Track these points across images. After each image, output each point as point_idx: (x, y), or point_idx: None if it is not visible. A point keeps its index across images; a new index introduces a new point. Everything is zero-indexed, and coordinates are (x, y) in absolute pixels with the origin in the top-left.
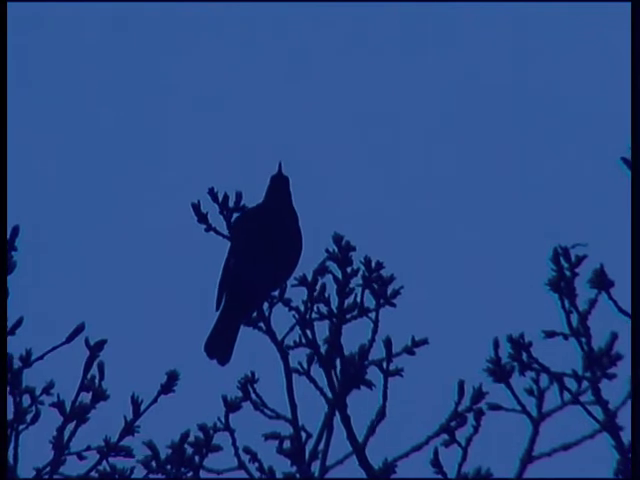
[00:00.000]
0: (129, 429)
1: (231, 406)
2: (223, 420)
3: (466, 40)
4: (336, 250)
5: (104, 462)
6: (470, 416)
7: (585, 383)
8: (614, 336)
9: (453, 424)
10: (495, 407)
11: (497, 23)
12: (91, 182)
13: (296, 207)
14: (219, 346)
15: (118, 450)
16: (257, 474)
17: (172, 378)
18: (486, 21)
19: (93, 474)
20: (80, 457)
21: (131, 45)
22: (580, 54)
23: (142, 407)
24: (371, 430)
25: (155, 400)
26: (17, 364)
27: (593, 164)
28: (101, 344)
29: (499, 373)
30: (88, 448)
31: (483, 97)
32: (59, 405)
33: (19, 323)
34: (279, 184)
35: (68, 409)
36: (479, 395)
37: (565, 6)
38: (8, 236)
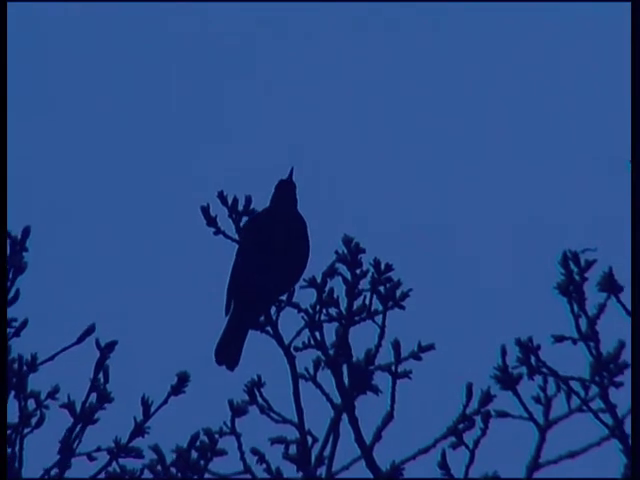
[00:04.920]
0: (139, 430)
1: (237, 411)
2: (229, 424)
3: (468, 43)
4: (345, 252)
5: (114, 463)
6: (478, 419)
7: (593, 390)
8: (621, 344)
9: (461, 426)
10: (502, 414)
11: (497, 23)
12: (101, 185)
13: (306, 209)
14: (228, 352)
15: (128, 451)
16: (265, 475)
17: (182, 380)
18: (486, 22)
19: (103, 475)
20: (90, 458)
21: (140, 44)
22: (580, 54)
23: (152, 408)
24: (379, 433)
25: (165, 401)
26: (23, 368)
27: (603, 167)
28: (112, 345)
29: (506, 380)
30: (98, 449)
31: (490, 99)
32: (69, 406)
33: (24, 325)
34: (287, 189)
35: (78, 410)
36: (487, 398)
37: (565, 6)
38: (19, 236)
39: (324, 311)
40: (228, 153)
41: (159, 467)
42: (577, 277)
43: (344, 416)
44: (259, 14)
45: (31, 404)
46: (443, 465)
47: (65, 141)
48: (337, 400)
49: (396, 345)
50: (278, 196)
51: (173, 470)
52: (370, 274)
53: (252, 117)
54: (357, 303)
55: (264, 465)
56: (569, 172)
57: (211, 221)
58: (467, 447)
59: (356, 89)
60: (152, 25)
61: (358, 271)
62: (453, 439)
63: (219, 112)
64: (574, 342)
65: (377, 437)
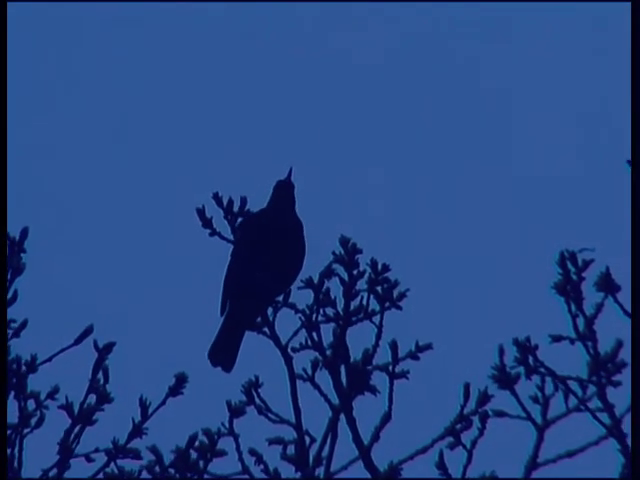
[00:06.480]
0: (137, 431)
1: (235, 411)
2: (227, 425)
3: (468, 42)
4: (342, 252)
5: (112, 464)
6: (476, 419)
7: (591, 389)
8: (619, 343)
9: (458, 427)
10: (500, 414)
11: (497, 23)
12: (99, 187)
13: (304, 210)
14: (223, 353)
15: (126, 452)
16: (262, 476)
17: (180, 381)
18: (486, 21)
19: (101, 476)
20: (88, 459)
21: (136, 46)
22: (580, 54)
23: (150, 410)
24: (377, 433)
25: (163, 402)
26: (22, 369)
27: (601, 167)
28: (110, 347)
29: (504, 380)
30: (96, 450)
31: (489, 99)
32: (67, 407)
33: (23, 325)
34: (285, 190)
35: (76, 412)
36: (485, 398)
37: (565, 6)
38: (17, 238)
39: (321, 312)
40: (227, 153)
41: (157, 468)
42: (574, 277)
43: (342, 416)
44: (259, 14)
45: (31, 404)
46: (441, 465)
47: (63, 142)
48: (335, 400)
49: (393, 346)
50: (276, 196)
51: (171, 471)
52: (367, 275)
53: (251, 117)
54: (354, 304)
55: (262, 466)
56: (567, 171)
57: (207, 223)
58: (465, 447)
59: (355, 89)
60: (149, 25)
61: (355, 272)
62: (451, 439)
63: (217, 112)
64: (572, 342)
65: (375, 437)
